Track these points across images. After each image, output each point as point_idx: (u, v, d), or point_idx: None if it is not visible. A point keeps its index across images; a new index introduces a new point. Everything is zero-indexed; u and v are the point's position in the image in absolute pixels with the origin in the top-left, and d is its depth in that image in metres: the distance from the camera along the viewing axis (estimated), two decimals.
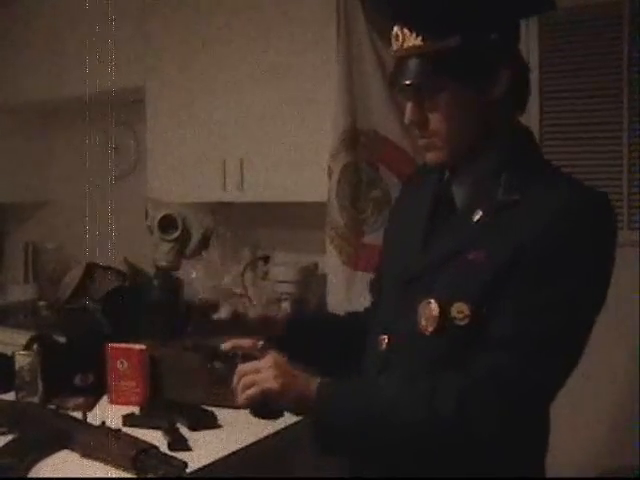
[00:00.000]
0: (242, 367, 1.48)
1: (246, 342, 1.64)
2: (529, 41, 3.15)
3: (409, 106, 1.45)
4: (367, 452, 1.42)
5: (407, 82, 1.41)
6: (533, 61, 3.16)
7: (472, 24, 1.36)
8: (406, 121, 1.47)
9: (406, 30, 1.39)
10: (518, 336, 1.30)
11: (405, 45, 1.40)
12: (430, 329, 1.40)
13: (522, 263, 1.31)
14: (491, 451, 1.34)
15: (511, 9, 1.40)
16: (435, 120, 1.42)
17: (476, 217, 1.42)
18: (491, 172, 1.43)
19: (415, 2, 1.39)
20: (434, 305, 1.39)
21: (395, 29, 1.42)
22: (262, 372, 1.44)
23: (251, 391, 1.43)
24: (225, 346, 1.66)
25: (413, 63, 1.40)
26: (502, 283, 1.33)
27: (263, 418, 1.53)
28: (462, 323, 1.36)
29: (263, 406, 1.46)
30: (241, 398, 1.45)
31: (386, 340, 1.51)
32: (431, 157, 1.47)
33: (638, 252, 2.88)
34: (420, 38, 1.38)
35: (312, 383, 1.42)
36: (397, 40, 1.42)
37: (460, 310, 1.36)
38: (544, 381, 1.32)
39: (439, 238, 1.48)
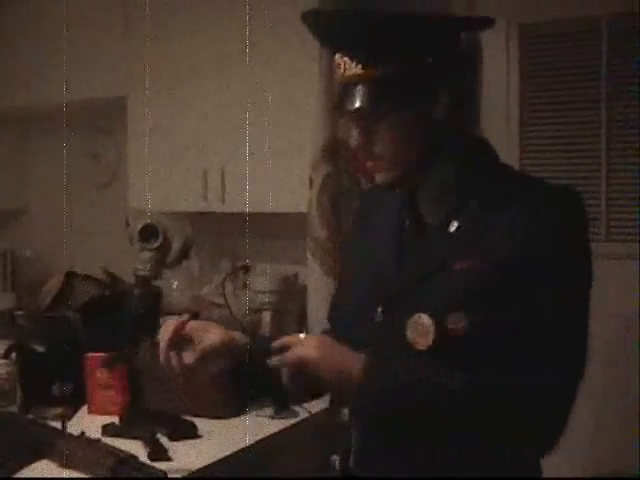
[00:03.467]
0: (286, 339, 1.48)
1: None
2: (510, 53, 3.18)
3: (353, 131, 1.47)
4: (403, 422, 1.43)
5: (351, 108, 1.45)
6: (514, 73, 3.19)
7: (406, 51, 1.41)
8: (352, 146, 1.49)
9: (346, 58, 1.44)
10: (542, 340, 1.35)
11: (347, 73, 1.44)
12: (424, 344, 1.39)
13: (514, 269, 1.36)
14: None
15: (440, 34, 1.45)
16: (380, 144, 1.45)
17: (452, 228, 1.45)
18: (455, 183, 1.47)
19: (350, 32, 1.42)
20: (426, 319, 1.38)
21: (336, 57, 1.46)
22: (303, 342, 1.45)
23: (289, 354, 1.43)
24: None
25: (355, 89, 1.43)
26: (496, 291, 1.36)
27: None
28: (461, 334, 1.36)
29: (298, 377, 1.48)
30: (278, 359, 1.45)
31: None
32: (380, 178, 1.49)
33: (620, 264, 2.91)
34: (360, 66, 1.42)
35: (357, 359, 1.42)
36: (339, 68, 1.46)
37: (456, 321, 1.36)
38: (578, 374, 1.39)
39: (416, 253, 1.50)
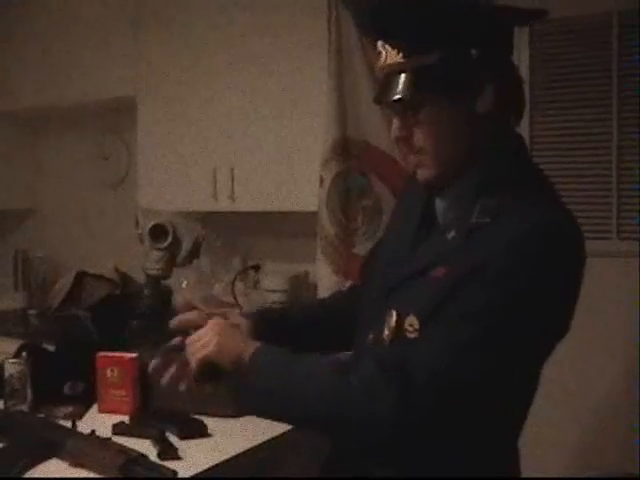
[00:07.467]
0: (189, 338, 1.52)
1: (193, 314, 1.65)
2: (519, 52, 3.17)
3: (394, 122, 1.44)
4: (281, 417, 1.48)
5: (391, 98, 1.41)
6: (523, 72, 3.18)
7: (450, 41, 1.36)
8: (392, 137, 1.47)
9: (388, 47, 1.40)
10: (442, 333, 1.31)
11: (387, 62, 1.41)
12: (387, 338, 1.42)
13: (472, 283, 1.31)
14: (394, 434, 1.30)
15: (488, 25, 1.39)
16: (420, 137, 1.41)
17: (450, 236, 1.41)
18: (471, 191, 1.41)
19: (394, 19, 1.39)
20: (394, 315, 1.41)
21: (378, 45, 1.42)
22: (202, 339, 1.48)
23: (193, 361, 1.48)
24: (173, 323, 1.66)
25: (397, 79, 1.39)
26: (449, 304, 1.32)
27: (204, 383, 1.54)
28: (412, 336, 1.37)
29: (205, 372, 1.49)
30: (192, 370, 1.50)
31: (371, 337, 1.51)
32: (420, 174, 1.47)
33: (638, 262, 2.90)
34: (401, 55, 1.38)
35: (250, 347, 1.45)
36: (380, 56, 1.43)
37: (411, 323, 1.37)
38: (458, 383, 1.28)
39: (418, 253, 1.48)
